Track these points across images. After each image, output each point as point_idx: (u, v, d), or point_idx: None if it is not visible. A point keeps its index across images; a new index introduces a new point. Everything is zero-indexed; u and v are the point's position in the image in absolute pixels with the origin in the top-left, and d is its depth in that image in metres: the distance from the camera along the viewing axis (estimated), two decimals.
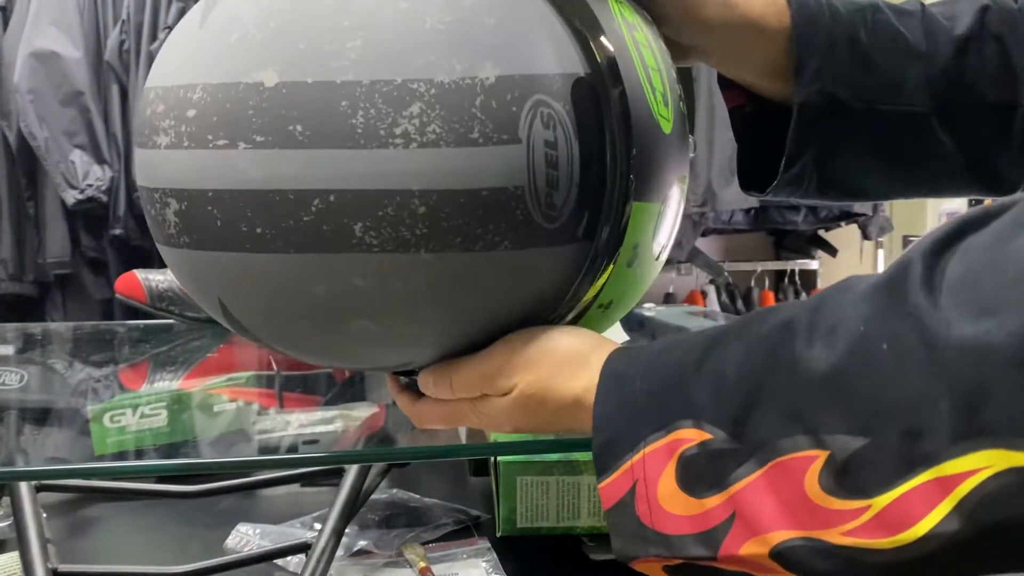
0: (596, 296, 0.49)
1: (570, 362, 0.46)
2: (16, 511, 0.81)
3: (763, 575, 0.38)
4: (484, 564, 0.85)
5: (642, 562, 0.42)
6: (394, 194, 0.42)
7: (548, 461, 0.88)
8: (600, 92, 0.45)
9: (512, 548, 0.88)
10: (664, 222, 0.52)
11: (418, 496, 1.02)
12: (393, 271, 0.43)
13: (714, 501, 0.39)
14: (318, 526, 0.89)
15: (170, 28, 2.53)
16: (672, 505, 0.40)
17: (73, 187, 2.34)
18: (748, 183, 0.64)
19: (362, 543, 0.89)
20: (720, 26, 0.57)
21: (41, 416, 0.86)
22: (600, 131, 0.45)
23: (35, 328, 1.47)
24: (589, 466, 0.88)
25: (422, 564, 0.84)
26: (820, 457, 0.35)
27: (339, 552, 0.81)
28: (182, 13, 2.43)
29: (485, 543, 0.90)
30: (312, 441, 0.72)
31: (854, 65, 0.57)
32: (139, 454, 0.71)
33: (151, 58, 2.39)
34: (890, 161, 0.61)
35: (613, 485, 0.42)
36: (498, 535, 0.91)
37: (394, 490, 1.04)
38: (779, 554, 0.37)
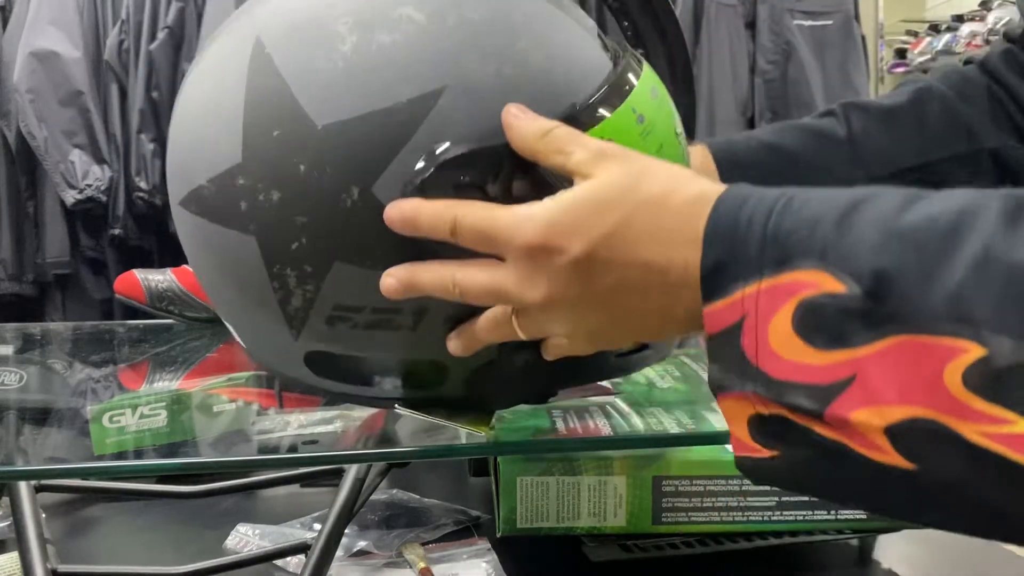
0: None
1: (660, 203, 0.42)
2: (15, 511, 0.81)
3: (862, 449, 0.34)
4: (484, 564, 0.85)
5: (732, 397, 0.38)
6: None
7: (548, 461, 0.88)
8: None
9: (512, 548, 0.88)
10: None
11: (418, 496, 1.02)
12: None
13: (833, 357, 0.34)
14: (318, 526, 0.89)
15: (169, 28, 2.53)
16: (783, 348, 0.36)
17: (72, 187, 2.34)
18: None
19: (362, 543, 0.88)
20: None
21: (40, 416, 0.86)
22: None
23: (34, 328, 1.46)
24: (589, 466, 0.88)
25: (422, 564, 0.84)
26: (973, 352, 0.30)
27: (339, 552, 0.81)
28: (181, 13, 2.43)
29: (485, 543, 0.89)
30: (312, 441, 0.72)
31: (779, 165, 0.65)
32: (139, 454, 0.71)
33: (150, 58, 2.39)
34: None
35: (718, 314, 0.38)
36: (498, 535, 0.91)
37: (394, 490, 1.04)
38: (896, 431, 0.32)
